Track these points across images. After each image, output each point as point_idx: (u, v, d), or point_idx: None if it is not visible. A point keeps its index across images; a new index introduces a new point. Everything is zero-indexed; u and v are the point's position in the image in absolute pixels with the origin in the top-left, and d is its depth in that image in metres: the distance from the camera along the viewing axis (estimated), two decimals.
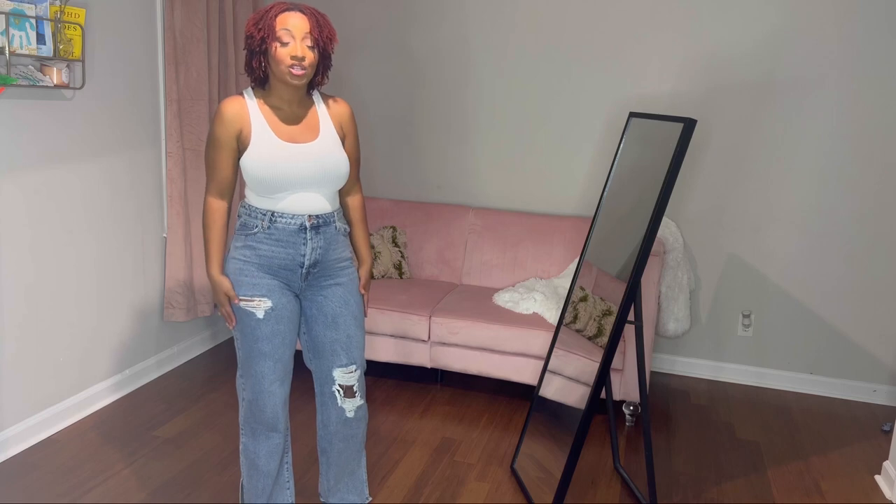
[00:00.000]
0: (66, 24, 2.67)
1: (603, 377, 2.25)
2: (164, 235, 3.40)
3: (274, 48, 1.87)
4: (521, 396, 3.39)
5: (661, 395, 3.52)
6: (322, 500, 2.33)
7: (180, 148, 3.32)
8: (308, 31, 1.89)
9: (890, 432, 3.15)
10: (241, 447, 2.16)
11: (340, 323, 2.10)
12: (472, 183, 3.97)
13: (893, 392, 3.51)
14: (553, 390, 2.67)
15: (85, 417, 3.02)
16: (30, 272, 2.73)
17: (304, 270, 2.04)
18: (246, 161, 1.94)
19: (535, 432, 2.71)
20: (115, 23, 3.01)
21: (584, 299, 2.63)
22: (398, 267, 3.76)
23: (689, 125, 2.12)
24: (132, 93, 3.15)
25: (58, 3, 2.63)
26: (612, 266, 2.46)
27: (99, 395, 3.11)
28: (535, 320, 3.23)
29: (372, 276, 3.18)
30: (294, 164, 1.94)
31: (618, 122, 3.65)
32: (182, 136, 3.33)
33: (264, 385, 2.04)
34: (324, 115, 2.04)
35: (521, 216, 3.78)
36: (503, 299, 3.42)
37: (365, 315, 2.19)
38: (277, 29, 1.86)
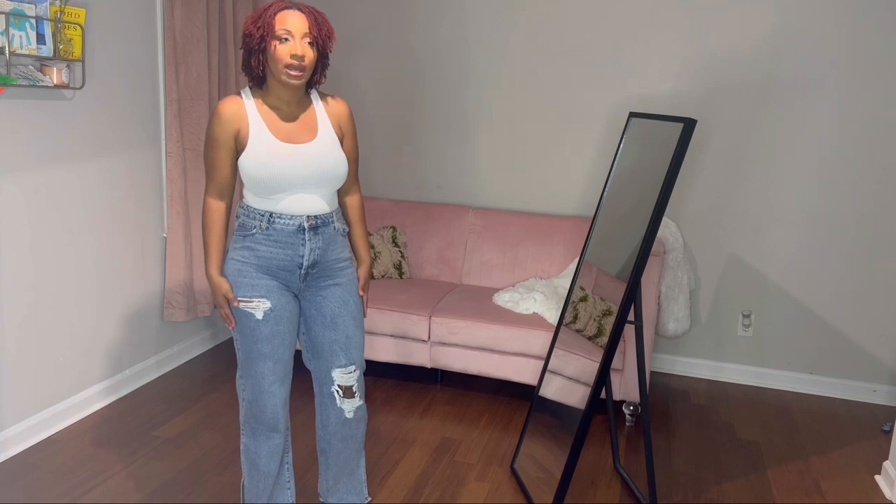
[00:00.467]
0: (66, 24, 2.67)
1: (603, 377, 2.25)
2: (164, 235, 3.40)
3: (273, 46, 1.87)
4: (521, 396, 3.39)
5: (661, 395, 3.52)
6: (321, 500, 2.34)
7: (180, 148, 3.32)
8: (307, 29, 1.88)
9: (890, 432, 3.14)
10: (241, 447, 2.16)
11: (339, 323, 2.10)
12: (472, 183, 3.97)
13: (893, 392, 3.51)
14: (553, 390, 2.67)
15: (85, 417, 3.02)
16: (30, 272, 2.73)
17: (302, 271, 2.03)
18: (243, 161, 1.93)
19: (535, 432, 2.71)
20: (115, 23, 3.01)
21: (584, 299, 2.63)
22: (398, 267, 3.76)
23: (689, 125, 2.12)
24: (132, 93, 3.15)
25: (58, 3, 2.63)
26: (612, 266, 2.46)
27: (99, 395, 3.11)
28: (535, 320, 3.23)
29: (372, 276, 3.17)
30: (292, 164, 1.93)
31: (618, 122, 3.65)
32: (182, 136, 3.33)
33: (264, 385, 2.04)
34: (322, 114, 2.03)
35: (521, 216, 3.78)
36: (503, 299, 3.42)
37: (364, 315, 2.19)
38: (276, 27, 1.86)
